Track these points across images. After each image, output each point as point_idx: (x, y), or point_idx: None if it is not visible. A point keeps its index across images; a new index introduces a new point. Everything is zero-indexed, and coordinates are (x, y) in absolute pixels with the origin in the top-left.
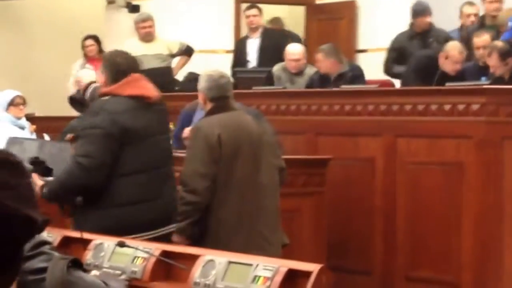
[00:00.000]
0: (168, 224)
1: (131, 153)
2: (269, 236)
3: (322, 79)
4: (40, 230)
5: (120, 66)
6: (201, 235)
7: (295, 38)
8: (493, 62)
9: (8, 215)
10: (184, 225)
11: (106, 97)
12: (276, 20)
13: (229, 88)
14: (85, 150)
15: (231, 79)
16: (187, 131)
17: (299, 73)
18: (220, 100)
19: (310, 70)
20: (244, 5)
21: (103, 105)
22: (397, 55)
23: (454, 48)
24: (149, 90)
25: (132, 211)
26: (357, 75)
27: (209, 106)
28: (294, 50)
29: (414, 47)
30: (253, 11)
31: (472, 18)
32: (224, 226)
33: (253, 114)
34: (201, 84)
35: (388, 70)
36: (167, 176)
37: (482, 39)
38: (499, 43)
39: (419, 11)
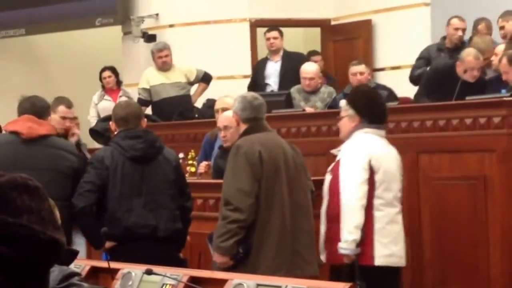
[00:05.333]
0: None
1: None
2: (307, 256)
3: None
4: (69, 261)
5: (20, 109)
6: (245, 255)
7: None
8: (503, 68)
9: (35, 238)
10: (230, 244)
11: None
12: None
13: (263, 110)
14: None
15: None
16: (202, 167)
17: (314, 91)
18: (253, 121)
19: (325, 89)
20: (259, 30)
21: None
22: (423, 64)
23: (469, 54)
24: (23, 127)
25: None
26: (393, 95)
27: (242, 127)
28: (308, 69)
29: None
30: (274, 34)
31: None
32: (267, 246)
33: None
34: (235, 105)
35: (411, 76)
36: None
37: (499, 48)
38: (510, 50)
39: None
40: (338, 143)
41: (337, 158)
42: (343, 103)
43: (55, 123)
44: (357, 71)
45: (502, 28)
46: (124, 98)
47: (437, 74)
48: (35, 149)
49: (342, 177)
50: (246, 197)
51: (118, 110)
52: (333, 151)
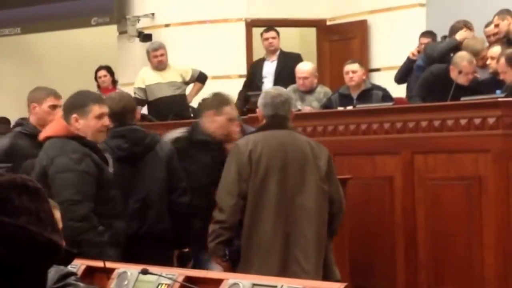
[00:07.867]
0: None
1: None
2: (304, 263)
3: (343, 98)
4: (67, 261)
5: None
6: (234, 259)
7: None
8: (501, 68)
9: (32, 240)
10: (214, 245)
11: None
12: None
13: (285, 107)
14: None
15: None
16: None
17: (310, 91)
18: (272, 118)
19: (321, 89)
20: (255, 30)
21: None
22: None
23: (463, 59)
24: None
25: None
26: (388, 95)
27: (263, 122)
28: (302, 68)
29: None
30: (272, 34)
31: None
32: (256, 248)
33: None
34: (259, 101)
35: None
36: None
37: (493, 50)
38: (509, 50)
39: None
40: (334, 142)
41: None
42: None
43: None
44: (350, 70)
45: (496, 26)
46: None
47: (432, 77)
48: None
49: None
50: (228, 197)
51: (111, 104)
52: None
